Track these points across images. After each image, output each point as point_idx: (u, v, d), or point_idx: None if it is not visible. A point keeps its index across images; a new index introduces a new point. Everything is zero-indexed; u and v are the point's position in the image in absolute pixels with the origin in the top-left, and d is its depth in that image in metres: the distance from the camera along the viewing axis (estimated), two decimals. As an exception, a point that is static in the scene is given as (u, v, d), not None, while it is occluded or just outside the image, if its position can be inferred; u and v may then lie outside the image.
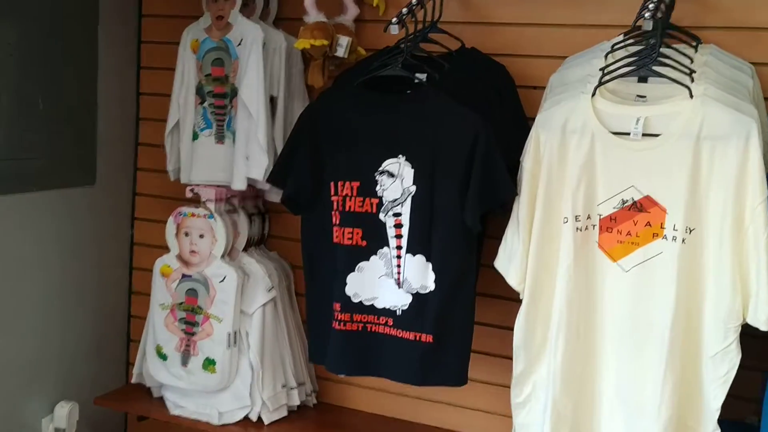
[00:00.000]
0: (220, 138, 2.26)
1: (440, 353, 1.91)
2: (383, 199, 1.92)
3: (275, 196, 2.31)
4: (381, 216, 1.92)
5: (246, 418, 2.26)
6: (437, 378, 1.94)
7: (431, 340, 1.90)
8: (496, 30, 2.16)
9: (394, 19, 1.87)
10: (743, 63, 1.83)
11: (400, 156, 1.90)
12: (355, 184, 1.94)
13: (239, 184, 2.20)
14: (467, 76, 1.96)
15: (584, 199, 1.74)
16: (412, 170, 1.89)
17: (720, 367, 1.63)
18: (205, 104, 2.26)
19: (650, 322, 1.69)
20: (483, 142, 1.80)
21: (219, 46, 2.22)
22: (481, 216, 1.86)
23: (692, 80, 1.67)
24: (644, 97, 1.78)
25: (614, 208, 1.73)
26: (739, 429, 1.81)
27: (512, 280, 1.82)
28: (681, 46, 1.82)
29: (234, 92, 2.21)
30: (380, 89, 1.95)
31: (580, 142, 1.73)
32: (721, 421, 1.67)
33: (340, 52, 2.14)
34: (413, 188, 1.89)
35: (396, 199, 1.91)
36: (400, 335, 1.93)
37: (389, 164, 1.91)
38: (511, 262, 1.82)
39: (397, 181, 1.90)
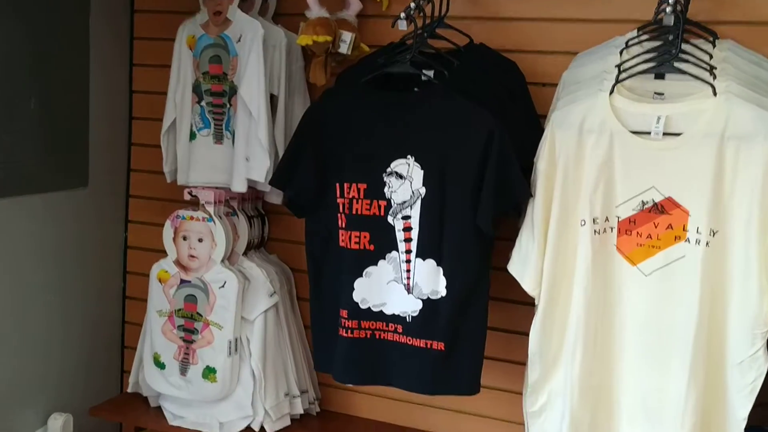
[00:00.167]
0: (218, 138, 2.18)
1: (452, 361, 1.85)
2: (391, 201, 1.85)
3: (276, 197, 2.24)
4: (389, 219, 1.85)
5: (248, 428, 2.19)
6: (449, 387, 1.88)
7: (443, 348, 1.84)
8: (505, 25, 2.09)
9: (402, 14, 1.80)
10: (762, 59, 1.78)
11: (409, 156, 1.82)
12: (362, 186, 1.86)
13: (239, 186, 2.12)
14: (478, 73, 1.89)
15: (602, 200, 1.69)
16: (422, 171, 1.82)
17: (747, 375, 1.58)
18: (203, 103, 2.18)
19: (673, 329, 1.64)
20: (497, 141, 1.74)
21: (217, 43, 2.14)
22: (493, 218, 1.79)
23: (714, 77, 1.62)
24: (662, 94, 1.72)
25: (633, 210, 1.67)
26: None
27: (527, 285, 1.76)
28: (699, 42, 1.77)
29: (233, 90, 2.13)
30: (387, 87, 1.88)
31: (598, 142, 1.67)
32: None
33: (343, 48, 2.07)
34: (423, 190, 1.82)
35: (405, 202, 1.84)
36: (411, 342, 1.87)
37: (398, 165, 1.84)
38: (526, 266, 1.76)
39: (406, 183, 1.83)
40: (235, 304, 2.13)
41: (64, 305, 2.36)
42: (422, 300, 1.85)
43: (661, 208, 1.64)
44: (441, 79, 1.84)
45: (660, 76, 1.74)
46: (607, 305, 1.71)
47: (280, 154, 2.14)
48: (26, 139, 2.17)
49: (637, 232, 1.67)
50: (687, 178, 1.60)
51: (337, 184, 1.88)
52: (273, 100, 2.13)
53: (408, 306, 1.86)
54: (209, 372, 2.16)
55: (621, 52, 1.78)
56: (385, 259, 1.87)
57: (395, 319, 1.88)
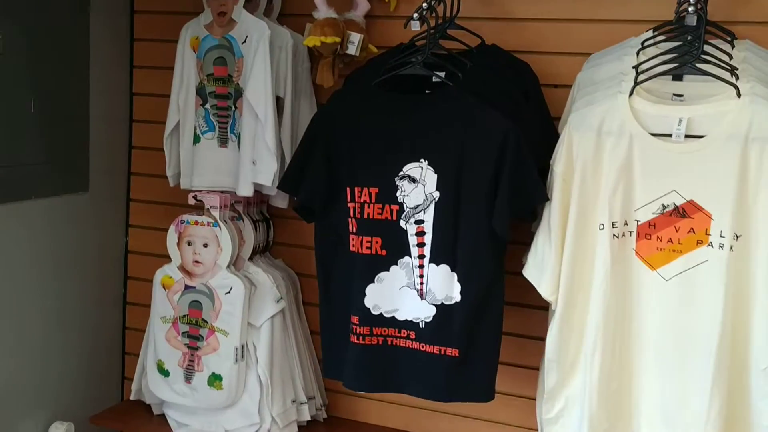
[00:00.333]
0: (223, 141, 2.13)
1: (466, 367, 1.81)
2: (404, 205, 1.81)
3: (281, 201, 2.20)
4: (402, 223, 1.82)
5: (255, 436, 2.14)
6: (463, 394, 1.84)
7: (457, 354, 1.80)
8: (516, 26, 2.06)
9: (415, 15, 1.76)
10: (781, 59, 1.75)
11: (422, 160, 1.79)
12: (374, 190, 1.82)
13: (245, 190, 2.08)
14: (490, 74, 1.85)
15: (621, 204, 1.65)
16: (435, 175, 1.78)
17: (772, 382, 1.55)
18: (207, 105, 2.13)
19: (694, 334, 1.61)
20: (512, 144, 1.70)
21: (221, 44, 2.09)
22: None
23: (736, 78, 1.59)
24: (681, 96, 1.70)
25: (653, 213, 1.64)
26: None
27: (544, 290, 1.73)
28: (717, 42, 1.74)
29: (238, 93, 2.08)
30: (398, 89, 1.84)
31: (617, 144, 1.64)
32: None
33: (352, 49, 2.03)
34: (437, 194, 1.78)
35: (418, 206, 1.80)
36: (424, 349, 1.83)
37: (410, 169, 1.80)
38: (542, 271, 1.72)
39: (419, 187, 1.79)
40: (241, 310, 2.09)
41: (63, 311, 2.31)
42: (436, 306, 1.81)
43: (683, 211, 1.61)
44: (454, 81, 1.80)
45: (678, 77, 1.71)
46: (626, 310, 1.68)
47: (287, 157, 2.10)
48: (26, 143, 2.12)
49: (657, 236, 1.64)
50: (710, 181, 1.57)
51: (348, 188, 1.84)
52: (279, 102, 2.08)
53: (421, 312, 1.82)
54: (215, 379, 2.12)
55: (638, 53, 1.75)
56: (397, 264, 1.83)
57: (408, 325, 1.84)
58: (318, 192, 1.87)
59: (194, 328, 2.14)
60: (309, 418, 2.23)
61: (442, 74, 1.83)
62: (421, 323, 1.83)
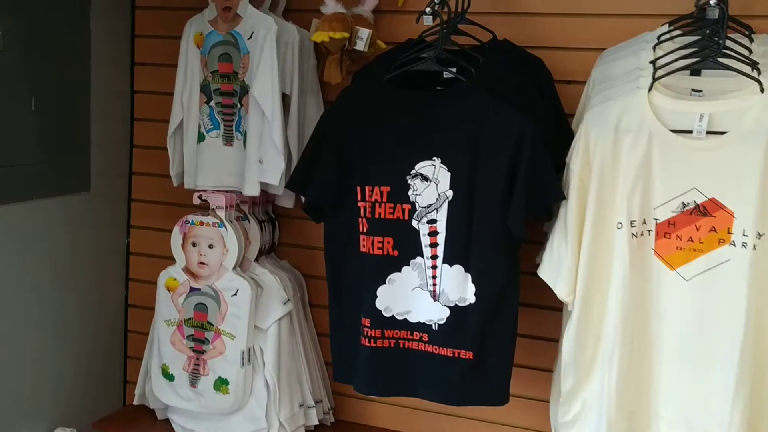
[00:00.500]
0: (228, 139, 2.09)
1: (481, 370, 1.77)
2: (416, 204, 1.77)
3: (287, 201, 2.16)
4: (413, 223, 1.77)
5: (262, 441, 2.10)
6: (477, 398, 1.80)
7: (471, 357, 1.76)
8: (527, 20, 2.02)
9: (428, 9, 1.72)
10: (799, 54, 1.71)
11: (435, 158, 1.74)
12: (385, 188, 1.78)
13: (252, 190, 2.03)
14: (504, 70, 1.81)
15: (640, 202, 1.61)
16: (449, 173, 1.74)
17: (797, 386, 1.52)
18: (212, 103, 2.08)
19: (716, 336, 1.57)
20: (528, 141, 1.66)
21: (226, 40, 2.05)
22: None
23: (759, 72, 1.55)
24: (700, 91, 1.65)
25: (673, 212, 1.60)
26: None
27: (561, 291, 1.68)
28: (736, 36, 1.70)
29: (244, 90, 2.04)
30: (409, 86, 1.80)
31: (636, 141, 1.60)
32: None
33: (360, 45, 1.99)
34: (450, 193, 1.74)
35: (431, 205, 1.76)
36: (437, 352, 1.79)
37: (423, 167, 1.76)
38: (559, 272, 1.68)
39: (431, 186, 1.75)
40: (248, 313, 2.04)
41: (64, 314, 2.26)
42: (449, 307, 1.77)
43: (704, 209, 1.57)
44: (467, 77, 1.76)
45: (695, 72, 1.68)
46: (645, 311, 1.64)
47: (294, 155, 2.06)
48: (26, 143, 2.07)
49: (677, 235, 1.60)
50: (732, 179, 1.53)
51: (358, 187, 1.80)
52: (285, 99, 2.03)
53: (434, 314, 1.78)
54: (221, 383, 2.07)
55: (654, 48, 1.71)
56: (409, 265, 1.79)
57: (420, 327, 1.80)
58: (327, 191, 1.83)
59: (200, 332, 2.09)
60: (317, 423, 2.18)
61: (455, 70, 1.79)
62: (434, 325, 1.79)
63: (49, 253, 2.19)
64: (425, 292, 1.78)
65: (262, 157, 2.00)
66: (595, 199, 1.64)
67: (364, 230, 1.80)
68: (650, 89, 1.60)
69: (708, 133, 1.56)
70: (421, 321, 1.80)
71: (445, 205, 1.75)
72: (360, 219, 1.80)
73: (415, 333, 1.80)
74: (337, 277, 1.88)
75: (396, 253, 1.79)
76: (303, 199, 1.97)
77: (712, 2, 1.53)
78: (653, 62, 1.66)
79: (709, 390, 1.58)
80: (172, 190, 2.25)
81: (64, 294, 2.26)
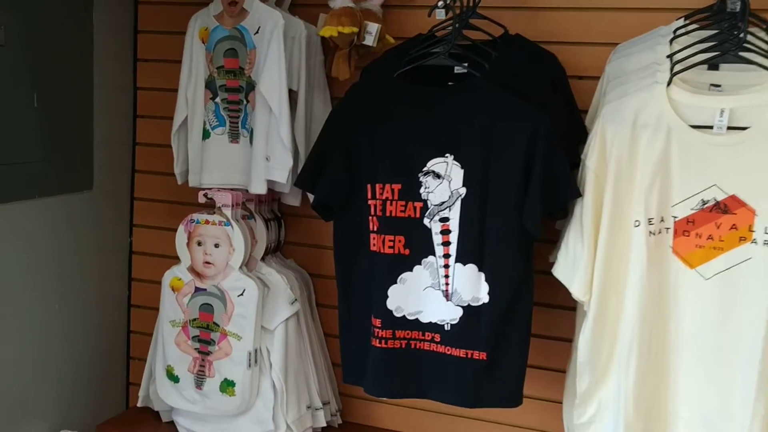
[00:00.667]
0: (234, 137, 2.05)
1: (494, 372, 1.74)
2: (428, 202, 1.73)
3: (293, 199, 2.12)
4: (425, 221, 1.74)
5: (269, 443, 2.06)
6: (491, 399, 1.77)
7: (485, 358, 1.72)
8: (539, 15, 1.98)
9: (440, 3, 1.69)
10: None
11: (448, 155, 1.71)
12: (396, 186, 1.74)
13: (259, 188, 1.99)
14: (517, 65, 1.77)
15: (658, 199, 1.58)
16: (462, 170, 1.70)
17: (821, 388, 1.48)
18: (217, 99, 2.05)
19: (736, 337, 1.54)
20: (543, 137, 1.63)
21: (232, 35, 2.01)
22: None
23: (779, 66, 1.52)
24: (718, 86, 1.62)
25: (692, 209, 1.57)
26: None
27: (577, 290, 1.65)
28: (754, 30, 1.66)
29: (250, 86, 2.00)
30: (419, 81, 1.76)
31: (654, 137, 1.57)
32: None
33: (369, 40, 1.95)
34: (463, 190, 1.70)
35: (443, 203, 1.72)
36: (449, 352, 1.75)
37: (435, 164, 1.72)
38: (575, 271, 1.65)
39: (444, 183, 1.71)
40: (255, 313, 2.00)
41: (66, 314, 2.22)
42: (462, 307, 1.73)
43: (724, 207, 1.54)
44: (480, 72, 1.72)
45: (713, 67, 1.64)
46: (662, 311, 1.61)
47: (301, 152, 2.02)
48: (29, 140, 2.03)
49: (696, 233, 1.57)
50: (753, 175, 1.50)
51: (369, 185, 1.76)
52: (292, 95, 2.00)
53: (446, 314, 1.75)
54: (227, 385, 2.04)
55: (670, 42, 1.68)
56: (421, 264, 1.75)
57: (432, 327, 1.76)
58: (337, 189, 1.79)
59: (205, 332, 2.05)
60: (324, 424, 2.15)
61: (466, 65, 1.76)
62: (446, 325, 1.75)
63: (51, 252, 2.15)
64: (437, 292, 1.75)
65: (269, 154, 1.96)
66: (611, 197, 1.60)
67: (375, 229, 1.76)
68: (669, 84, 1.56)
69: (728, 128, 1.53)
70: (433, 321, 1.76)
71: (458, 203, 1.71)
72: (370, 217, 1.77)
73: (426, 333, 1.77)
74: (346, 276, 1.84)
75: (407, 251, 1.75)
76: (310, 197, 1.94)
77: (734, -5, 1.49)
78: (670, 56, 1.62)
79: (729, 391, 1.55)
80: (176, 188, 2.22)
81: (66, 294, 2.22)
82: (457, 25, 1.73)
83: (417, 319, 1.77)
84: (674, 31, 1.71)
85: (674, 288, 1.60)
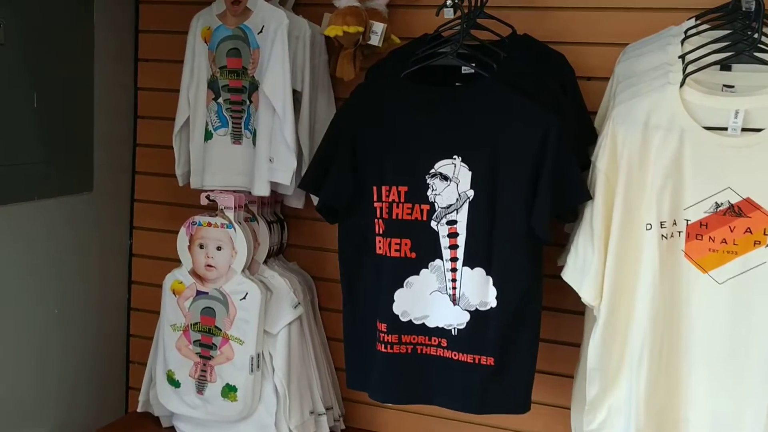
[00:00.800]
0: (237, 138, 2.02)
1: (502, 377, 1.70)
2: (435, 205, 1.70)
3: (297, 201, 2.09)
4: (433, 224, 1.71)
5: (271, 449, 2.03)
6: (498, 405, 1.73)
7: (492, 363, 1.69)
8: (546, 15, 1.96)
9: (449, 2, 1.66)
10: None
11: (456, 157, 1.68)
12: (403, 188, 1.71)
13: (262, 190, 1.96)
14: (525, 65, 1.75)
15: (670, 202, 1.55)
16: (470, 172, 1.67)
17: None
18: (220, 100, 2.01)
19: (750, 342, 1.51)
20: (553, 139, 1.60)
21: (236, 35, 1.98)
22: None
23: (794, 67, 1.49)
24: (732, 87, 1.59)
25: (705, 212, 1.54)
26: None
27: (587, 294, 1.62)
28: (767, 30, 1.64)
29: (253, 86, 1.97)
30: (426, 81, 1.73)
31: (666, 139, 1.54)
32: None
33: (374, 40, 1.92)
34: (471, 192, 1.67)
35: (451, 205, 1.69)
36: (456, 358, 1.72)
37: (442, 166, 1.69)
38: (584, 275, 1.62)
39: (451, 185, 1.68)
40: (257, 317, 1.97)
41: (64, 318, 2.19)
42: (470, 312, 1.70)
43: (738, 210, 1.51)
44: (488, 72, 1.69)
45: (726, 67, 1.61)
46: (674, 316, 1.58)
47: (305, 154, 1.99)
48: (28, 141, 2.00)
49: (710, 237, 1.54)
50: (769, 178, 1.47)
51: (375, 187, 1.73)
52: (296, 96, 1.96)
53: (453, 318, 1.72)
54: (229, 390, 2.00)
55: (682, 42, 1.65)
56: (427, 267, 1.72)
57: (439, 332, 1.73)
58: (342, 191, 1.76)
59: (207, 337, 2.02)
60: (327, 430, 2.11)
61: (475, 65, 1.72)
62: (453, 330, 1.72)
63: (50, 254, 2.12)
64: (444, 296, 1.72)
65: (273, 155, 1.93)
66: (622, 199, 1.57)
67: (381, 232, 1.73)
68: (682, 85, 1.54)
69: (743, 130, 1.50)
70: (440, 326, 1.73)
71: (466, 206, 1.68)
72: (376, 220, 1.73)
73: (433, 338, 1.74)
74: (351, 280, 1.81)
75: (414, 255, 1.72)
76: (314, 199, 1.91)
77: (749, -6, 1.46)
78: (682, 57, 1.60)
79: (742, 397, 1.52)
80: (177, 190, 2.19)
81: (66, 296, 2.18)
82: (465, 25, 1.69)
83: (423, 324, 1.74)
84: (685, 32, 1.68)
85: (686, 293, 1.57)
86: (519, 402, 1.73)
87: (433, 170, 1.69)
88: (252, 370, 1.98)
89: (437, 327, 1.73)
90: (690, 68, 1.55)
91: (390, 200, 1.72)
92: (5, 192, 1.95)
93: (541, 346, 1.93)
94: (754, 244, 1.50)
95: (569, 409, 1.82)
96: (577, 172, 1.60)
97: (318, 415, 2.09)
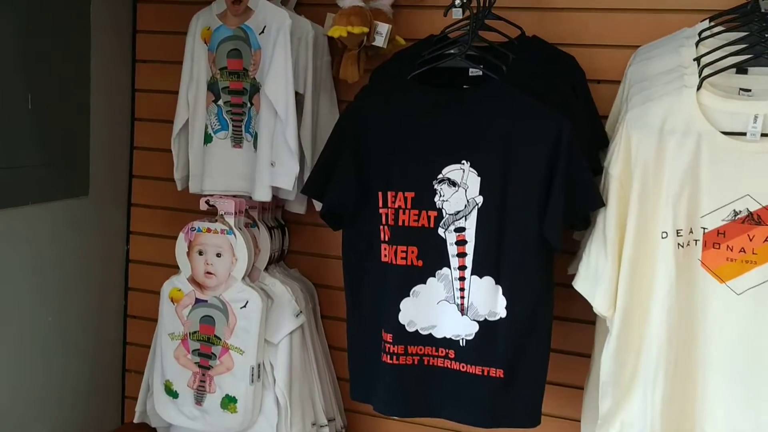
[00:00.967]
0: (237, 141, 1.96)
1: (511, 390, 1.65)
2: (443, 211, 1.65)
3: (299, 206, 2.04)
4: (440, 231, 1.65)
5: (272, 462, 1.97)
6: (508, 419, 1.68)
7: (502, 375, 1.64)
8: (555, 16, 1.91)
9: (457, 2, 1.61)
10: None
11: (464, 162, 1.62)
12: (410, 194, 1.66)
13: (263, 195, 1.91)
14: (535, 67, 1.69)
15: (686, 210, 1.50)
16: (479, 178, 1.62)
17: None
18: (220, 102, 1.96)
19: (770, 354, 1.46)
20: (566, 144, 1.54)
21: (236, 35, 1.92)
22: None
23: (815, 70, 1.44)
24: (749, 90, 1.54)
25: (723, 220, 1.49)
26: None
27: (599, 304, 1.56)
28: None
29: (255, 88, 1.91)
30: (433, 84, 1.68)
31: (682, 144, 1.49)
32: None
33: (379, 41, 1.87)
34: (480, 199, 1.62)
35: (459, 212, 1.64)
36: (464, 369, 1.67)
37: (450, 171, 1.63)
38: (597, 284, 1.56)
39: (459, 191, 1.63)
40: (258, 326, 1.91)
41: (59, 325, 2.13)
42: (478, 322, 1.65)
43: (758, 218, 1.46)
44: (497, 74, 1.64)
45: (742, 70, 1.56)
46: (690, 327, 1.52)
47: (307, 158, 1.94)
48: (23, 144, 1.94)
49: (728, 246, 1.49)
50: (790, 185, 1.42)
51: (380, 193, 1.67)
52: (298, 98, 1.91)
53: (461, 329, 1.66)
54: (229, 401, 1.95)
55: (696, 45, 1.60)
56: (435, 276, 1.67)
57: (446, 343, 1.68)
58: (346, 197, 1.70)
59: (206, 346, 1.96)
60: (329, 442, 2.06)
61: (483, 67, 1.67)
62: (461, 341, 1.67)
63: (44, 260, 2.06)
64: (452, 306, 1.66)
65: (275, 159, 1.88)
66: (637, 207, 1.52)
67: (386, 239, 1.68)
68: (699, 88, 1.48)
69: (762, 135, 1.45)
70: (447, 336, 1.68)
71: (475, 212, 1.63)
72: (382, 227, 1.68)
73: (440, 349, 1.68)
74: (355, 288, 1.75)
75: (420, 263, 1.67)
76: (317, 204, 1.86)
77: (769, -5, 1.42)
78: (697, 59, 1.55)
79: (761, 411, 1.47)
80: (175, 195, 2.14)
81: (60, 303, 2.13)
82: (473, 25, 1.64)
83: (430, 334, 1.68)
84: (699, 33, 1.63)
85: (703, 303, 1.52)
86: (529, 415, 1.67)
87: (440, 175, 1.64)
88: (252, 381, 1.92)
89: (444, 338, 1.68)
90: (707, 71, 1.50)
91: (396, 206, 1.67)
92: (3, 196, 1.89)
93: (550, 356, 1.89)
94: (775, 253, 1.45)
95: (578, 421, 1.77)
96: (589, 177, 1.55)
97: (320, 426, 2.04)
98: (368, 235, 1.70)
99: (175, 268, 2.02)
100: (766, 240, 1.45)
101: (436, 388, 1.69)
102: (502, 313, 1.63)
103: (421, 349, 1.69)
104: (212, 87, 1.96)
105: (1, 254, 1.92)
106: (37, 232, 2.02)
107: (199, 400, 1.98)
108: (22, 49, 1.91)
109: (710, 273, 1.51)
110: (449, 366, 1.68)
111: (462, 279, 1.65)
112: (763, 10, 1.47)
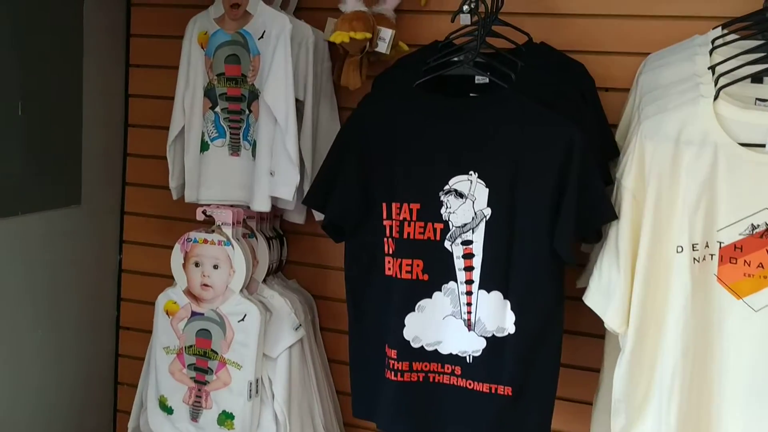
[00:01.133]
0: (235, 149, 1.90)
1: (520, 408, 1.60)
2: (450, 224, 1.59)
3: (298, 216, 1.99)
4: (447, 244, 1.60)
5: (270, 481, 1.91)
6: (516, 437, 1.62)
7: (510, 393, 1.59)
8: (563, 22, 1.87)
9: (465, 7, 1.55)
10: None
11: (472, 173, 1.57)
12: (415, 206, 1.60)
13: (262, 205, 1.85)
14: (544, 75, 1.64)
15: (703, 223, 1.45)
16: (487, 189, 1.56)
17: None
18: (217, 109, 1.90)
19: (790, 373, 1.41)
20: (577, 154, 1.49)
21: (235, 40, 1.87)
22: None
23: (838, 81, 1.40)
24: (765, 100, 1.50)
25: (741, 234, 1.44)
26: None
27: (612, 320, 1.51)
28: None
29: (253, 95, 1.86)
30: (438, 91, 1.63)
31: (699, 155, 1.44)
32: None
33: (382, 47, 1.83)
34: (488, 211, 1.57)
35: (466, 224, 1.58)
36: (471, 387, 1.61)
37: (457, 182, 1.58)
38: (609, 299, 1.51)
39: (467, 203, 1.58)
40: (256, 340, 1.86)
41: (50, 336, 2.07)
42: (485, 338, 1.60)
43: (776, 233, 1.41)
44: (505, 82, 1.59)
45: (757, 80, 1.52)
46: (706, 343, 1.47)
47: (307, 167, 1.88)
48: (13, 151, 1.88)
49: (745, 261, 1.44)
50: (810, 199, 1.38)
51: (384, 204, 1.62)
52: (297, 105, 1.86)
53: (468, 345, 1.61)
54: (226, 417, 1.89)
55: (710, 53, 1.56)
56: (441, 290, 1.61)
57: (452, 359, 1.63)
58: (349, 208, 1.65)
59: (202, 360, 1.90)
60: (329, 458, 2.01)
61: (490, 74, 1.62)
62: (468, 357, 1.61)
63: (35, 271, 2.00)
64: (458, 321, 1.61)
65: (274, 168, 1.82)
66: (651, 220, 1.47)
67: (391, 252, 1.62)
68: (716, 97, 1.44)
69: (782, 147, 1.41)
70: (454, 353, 1.62)
71: (482, 225, 1.57)
72: (386, 239, 1.62)
73: (446, 366, 1.63)
74: (358, 302, 1.70)
75: (426, 277, 1.61)
76: (316, 214, 1.81)
77: (789, 1, 1.37)
78: (712, 68, 1.50)
79: (782, 434, 1.43)
80: (169, 203, 2.08)
81: (51, 315, 2.07)
82: (482, 32, 1.59)
83: (436, 350, 1.63)
84: (712, 41, 1.59)
85: (719, 320, 1.47)
86: (538, 433, 1.62)
87: (447, 187, 1.59)
88: (250, 396, 1.87)
89: (451, 354, 1.63)
90: (723, 81, 1.46)
91: (401, 218, 1.61)
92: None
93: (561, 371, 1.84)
94: (794, 269, 1.40)
95: (587, 438, 1.72)
96: (602, 188, 1.50)
97: (319, 442, 1.98)
98: (372, 247, 1.65)
99: (169, 278, 1.96)
100: (785, 255, 1.41)
101: (442, 406, 1.64)
102: (511, 329, 1.58)
103: (426, 366, 1.64)
104: (209, 93, 1.91)
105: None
106: (27, 243, 1.96)
107: (195, 416, 1.92)
108: (12, 53, 1.85)
109: (727, 289, 1.46)
110: (455, 383, 1.63)
111: (469, 293, 1.60)
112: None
